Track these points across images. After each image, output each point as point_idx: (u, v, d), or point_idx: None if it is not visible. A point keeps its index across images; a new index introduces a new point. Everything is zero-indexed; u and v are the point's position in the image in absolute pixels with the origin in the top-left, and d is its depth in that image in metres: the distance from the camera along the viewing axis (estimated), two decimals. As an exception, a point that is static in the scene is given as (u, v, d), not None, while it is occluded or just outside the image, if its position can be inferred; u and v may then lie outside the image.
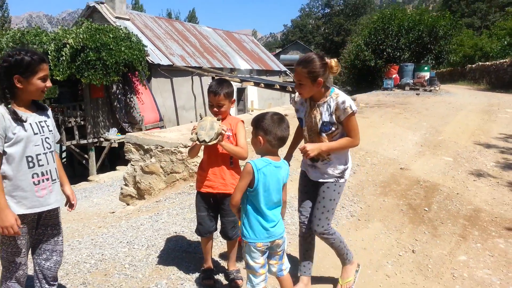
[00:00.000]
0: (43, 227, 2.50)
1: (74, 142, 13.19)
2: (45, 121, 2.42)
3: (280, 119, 2.39)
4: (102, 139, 13.71)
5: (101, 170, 14.20)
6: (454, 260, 3.58)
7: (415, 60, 20.99)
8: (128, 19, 17.19)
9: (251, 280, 2.41)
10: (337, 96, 2.69)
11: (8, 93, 2.26)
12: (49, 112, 2.52)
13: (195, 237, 3.93)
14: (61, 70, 11.78)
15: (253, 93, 22.73)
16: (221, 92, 2.91)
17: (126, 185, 6.36)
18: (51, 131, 2.45)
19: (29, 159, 2.28)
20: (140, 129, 13.31)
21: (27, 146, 2.27)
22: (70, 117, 12.89)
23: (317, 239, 3.06)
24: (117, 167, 13.95)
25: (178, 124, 16.13)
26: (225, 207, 3.02)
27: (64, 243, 4.18)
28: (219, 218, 3.13)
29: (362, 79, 22.74)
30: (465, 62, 30.59)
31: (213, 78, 14.51)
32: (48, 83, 2.35)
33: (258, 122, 2.39)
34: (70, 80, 12.78)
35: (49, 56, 11.83)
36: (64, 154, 18.51)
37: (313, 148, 2.64)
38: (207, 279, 3.09)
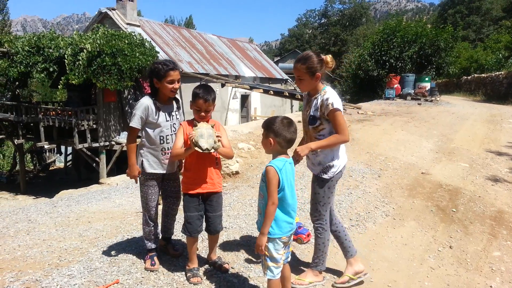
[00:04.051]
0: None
1: (86, 145, 13.34)
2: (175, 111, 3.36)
3: (289, 123, 2.63)
4: (113, 143, 13.90)
5: (108, 174, 14.35)
6: (490, 256, 3.88)
7: (416, 71, 21.52)
8: (138, 26, 17.48)
9: (273, 271, 2.60)
10: (325, 93, 2.95)
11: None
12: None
13: (245, 232, 4.18)
14: (77, 74, 11.97)
15: (256, 100, 23.07)
16: (211, 98, 3.06)
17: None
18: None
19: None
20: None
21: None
22: (83, 120, 13.07)
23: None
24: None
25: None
26: (212, 204, 3.19)
27: (117, 237, 4.43)
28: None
29: (363, 88, 23.22)
30: (460, 73, 31.27)
31: (222, 85, 14.79)
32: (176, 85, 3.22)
33: (269, 125, 2.62)
34: (80, 84, 12.95)
35: (65, 60, 12.04)
36: (69, 157, 18.68)
37: (302, 148, 2.88)
38: (194, 277, 3.16)
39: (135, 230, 4.69)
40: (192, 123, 3.15)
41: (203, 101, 3.04)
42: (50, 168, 19.94)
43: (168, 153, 3.30)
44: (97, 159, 13.86)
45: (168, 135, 3.29)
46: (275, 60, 45.47)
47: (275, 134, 2.58)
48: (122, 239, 4.32)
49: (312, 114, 2.99)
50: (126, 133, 12.76)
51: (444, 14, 55.20)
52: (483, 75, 26.05)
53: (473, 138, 9.29)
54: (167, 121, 3.27)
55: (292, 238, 2.77)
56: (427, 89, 19.38)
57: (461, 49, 32.15)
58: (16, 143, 14.89)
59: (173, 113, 3.34)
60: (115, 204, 8.70)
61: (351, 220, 4.51)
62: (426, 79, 19.72)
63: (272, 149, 2.63)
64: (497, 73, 23.95)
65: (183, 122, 3.22)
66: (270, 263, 2.60)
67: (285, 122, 2.62)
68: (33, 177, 17.59)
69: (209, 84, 3.42)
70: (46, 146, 14.89)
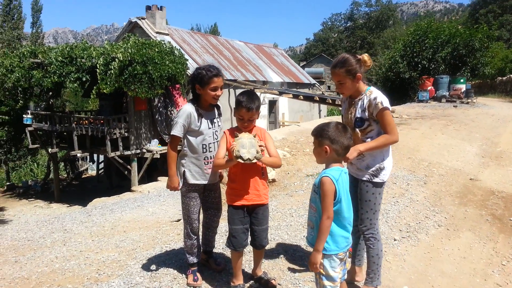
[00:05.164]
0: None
1: (118, 153, 13.45)
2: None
3: (344, 128, 2.42)
4: (144, 150, 13.96)
5: (139, 181, 14.41)
6: (561, 271, 3.51)
7: (449, 72, 20.81)
8: (167, 34, 17.62)
9: None
10: (371, 93, 2.80)
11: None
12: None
13: (288, 243, 3.96)
14: (108, 83, 12.07)
15: (284, 105, 22.85)
16: (254, 107, 2.86)
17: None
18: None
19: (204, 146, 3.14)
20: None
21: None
22: (115, 129, 13.18)
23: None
24: (159, 178, 14.09)
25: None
26: (258, 216, 2.98)
27: (155, 249, 4.28)
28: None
29: (394, 91, 22.62)
30: (495, 74, 30.11)
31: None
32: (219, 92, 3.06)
33: (323, 132, 2.39)
34: (111, 93, 13.07)
35: (97, 69, 12.18)
36: (101, 165, 18.95)
37: (351, 151, 2.63)
38: None
39: (173, 241, 4.55)
40: (234, 132, 2.98)
41: (246, 110, 2.86)
42: (83, 176, 20.30)
43: (210, 162, 3.14)
44: (128, 166, 13.95)
45: (210, 143, 3.14)
46: (301, 65, 45.18)
47: (331, 141, 2.37)
48: (160, 251, 4.18)
49: (359, 116, 2.83)
50: (157, 140, 12.71)
51: (476, 14, 53.52)
52: (519, 76, 24.97)
53: (520, 141, 8.77)
54: (209, 128, 3.13)
55: (348, 253, 2.54)
56: (462, 90, 18.69)
57: (497, 49, 30.93)
58: (50, 152, 15.19)
59: (215, 120, 3.21)
60: (149, 212, 8.62)
61: (401, 231, 4.21)
62: (461, 80, 19.03)
63: (328, 157, 2.41)
64: (535, 73, 22.91)
65: (226, 131, 3.05)
66: (326, 282, 2.37)
67: (340, 128, 2.41)
68: (67, 185, 17.91)
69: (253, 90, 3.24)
70: (79, 155, 15.13)
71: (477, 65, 21.16)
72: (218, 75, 3.02)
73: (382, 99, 2.74)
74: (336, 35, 73.70)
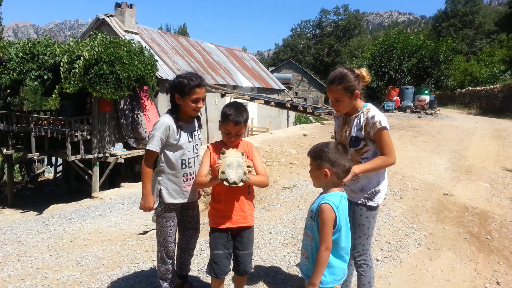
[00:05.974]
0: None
1: (79, 156, 12.78)
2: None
3: (344, 148, 2.26)
4: (107, 154, 13.35)
5: (100, 187, 13.77)
6: (543, 294, 3.48)
7: (414, 83, 21.38)
8: (136, 33, 17.04)
9: None
10: (368, 110, 2.64)
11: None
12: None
13: (268, 265, 3.74)
14: (72, 82, 11.46)
15: (253, 110, 22.66)
16: (242, 120, 2.64)
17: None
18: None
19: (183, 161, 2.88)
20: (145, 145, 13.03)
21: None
22: (76, 131, 12.52)
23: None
24: (122, 184, 13.50)
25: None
26: (243, 240, 2.75)
27: (122, 268, 3.95)
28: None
29: (361, 99, 23.01)
30: (455, 86, 31.32)
31: (222, 95, 14.39)
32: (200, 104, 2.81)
33: (322, 153, 2.22)
34: (74, 92, 12.43)
35: (60, 68, 11.53)
36: (59, 168, 18.04)
37: None
38: None
39: (141, 260, 4.22)
40: (219, 146, 2.73)
41: (234, 124, 2.62)
42: (39, 179, 19.25)
43: (190, 179, 2.88)
44: (90, 171, 13.29)
45: (190, 158, 2.88)
46: (269, 70, 45.30)
47: (332, 163, 2.18)
48: (128, 271, 3.85)
49: (354, 134, 2.65)
50: (121, 144, 12.11)
51: (438, 27, 55.71)
52: (477, 88, 26.02)
53: (486, 155, 8.97)
54: (189, 142, 2.87)
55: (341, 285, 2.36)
56: (426, 102, 19.22)
57: (460, 62, 32.31)
58: (5, 154, 14.25)
59: (195, 133, 2.95)
60: (111, 223, 8.14)
61: (383, 250, 4.09)
62: (426, 92, 19.57)
63: (328, 181, 2.22)
64: (492, 86, 23.92)
65: (210, 145, 2.79)
66: None
67: (340, 149, 2.24)
68: (21, 189, 16.91)
69: (239, 101, 3.01)
70: (36, 157, 14.29)
71: (441, 77, 21.87)
72: (200, 86, 2.76)
73: (380, 118, 2.57)
74: (304, 41, 74.55)
